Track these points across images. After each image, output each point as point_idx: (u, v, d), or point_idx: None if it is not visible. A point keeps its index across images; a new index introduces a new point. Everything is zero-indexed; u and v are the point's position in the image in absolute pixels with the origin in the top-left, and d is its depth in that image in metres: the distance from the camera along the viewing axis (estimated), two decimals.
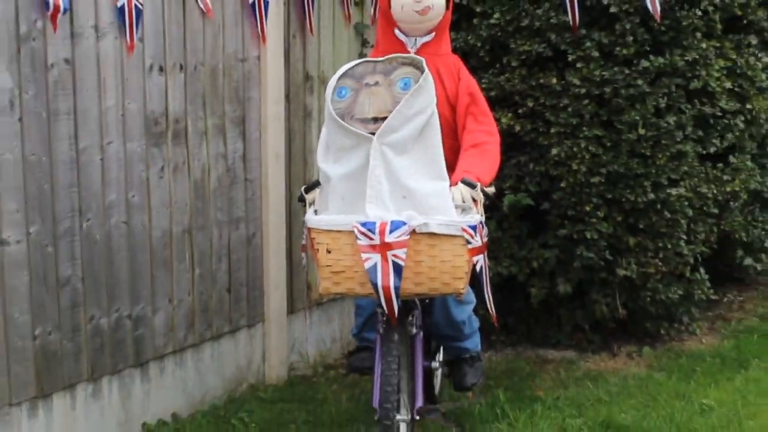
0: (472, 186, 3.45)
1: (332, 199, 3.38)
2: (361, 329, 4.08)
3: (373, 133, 3.27)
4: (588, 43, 4.71)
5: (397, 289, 3.23)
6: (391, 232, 3.20)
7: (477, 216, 3.36)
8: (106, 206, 4.05)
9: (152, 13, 4.14)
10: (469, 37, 4.97)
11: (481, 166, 3.65)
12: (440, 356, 4.36)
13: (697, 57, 4.73)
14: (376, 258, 3.20)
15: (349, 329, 4.79)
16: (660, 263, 4.89)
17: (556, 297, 5.06)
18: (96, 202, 4.00)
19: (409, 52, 3.81)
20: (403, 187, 3.29)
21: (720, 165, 5.15)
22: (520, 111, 4.88)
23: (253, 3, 4.55)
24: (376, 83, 3.36)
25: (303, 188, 3.59)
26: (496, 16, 4.88)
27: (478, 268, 3.35)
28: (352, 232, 3.26)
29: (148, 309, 4.27)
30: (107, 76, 3.98)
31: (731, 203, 5.21)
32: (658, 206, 4.80)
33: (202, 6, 4.31)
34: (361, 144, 3.29)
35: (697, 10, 4.71)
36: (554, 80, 4.78)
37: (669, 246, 4.88)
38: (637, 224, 4.88)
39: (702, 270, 5.19)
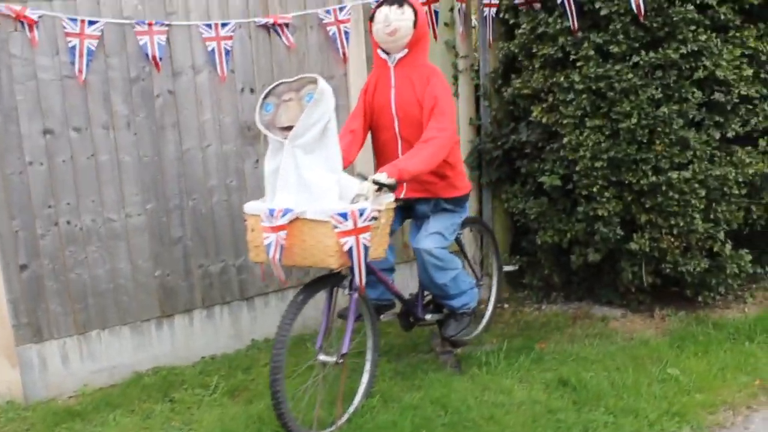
0: (365, 178, 3.04)
1: (267, 189, 3.14)
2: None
3: (287, 138, 3.00)
4: (586, 44, 3.80)
5: (279, 260, 2.94)
6: (282, 216, 2.91)
7: (359, 205, 2.92)
8: (209, 189, 4.07)
9: (241, 50, 4.06)
10: (510, 46, 4.28)
11: (413, 160, 3.16)
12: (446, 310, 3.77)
13: (696, 49, 3.59)
14: (272, 237, 2.92)
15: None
16: (672, 239, 3.83)
17: (589, 263, 4.18)
18: (200, 186, 4.04)
19: (389, 67, 3.45)
20: (305, 179, 2.97)
21: (748, 148, 3.87)
22: (544, 105, 4.12)
23: (334, 34, 4.34)
24: (290, 99, 3.05)
25: None
26: (524, 25, 4.14)
27: (346, 248, 2.90)
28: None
29: (249, 260, 4.24)
30: (204, 99, 3.99)
31: (764, 184, 3.90)
32: (664, 188, 3.76)
33: (285, 42, 4.21)
34: (281, 147, 3.03)
35: (689, 5, 3.56)
36: (562, 78, 3.95)
37: (682, 223, 3.80)
38: (646, 204, 3.87)
39: (729, 245, 3.93)
